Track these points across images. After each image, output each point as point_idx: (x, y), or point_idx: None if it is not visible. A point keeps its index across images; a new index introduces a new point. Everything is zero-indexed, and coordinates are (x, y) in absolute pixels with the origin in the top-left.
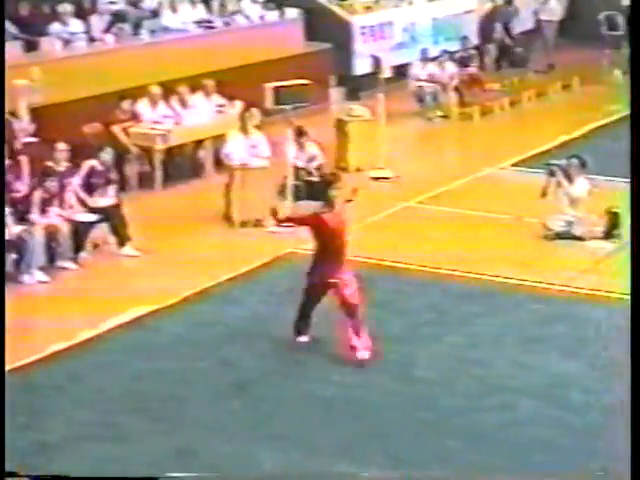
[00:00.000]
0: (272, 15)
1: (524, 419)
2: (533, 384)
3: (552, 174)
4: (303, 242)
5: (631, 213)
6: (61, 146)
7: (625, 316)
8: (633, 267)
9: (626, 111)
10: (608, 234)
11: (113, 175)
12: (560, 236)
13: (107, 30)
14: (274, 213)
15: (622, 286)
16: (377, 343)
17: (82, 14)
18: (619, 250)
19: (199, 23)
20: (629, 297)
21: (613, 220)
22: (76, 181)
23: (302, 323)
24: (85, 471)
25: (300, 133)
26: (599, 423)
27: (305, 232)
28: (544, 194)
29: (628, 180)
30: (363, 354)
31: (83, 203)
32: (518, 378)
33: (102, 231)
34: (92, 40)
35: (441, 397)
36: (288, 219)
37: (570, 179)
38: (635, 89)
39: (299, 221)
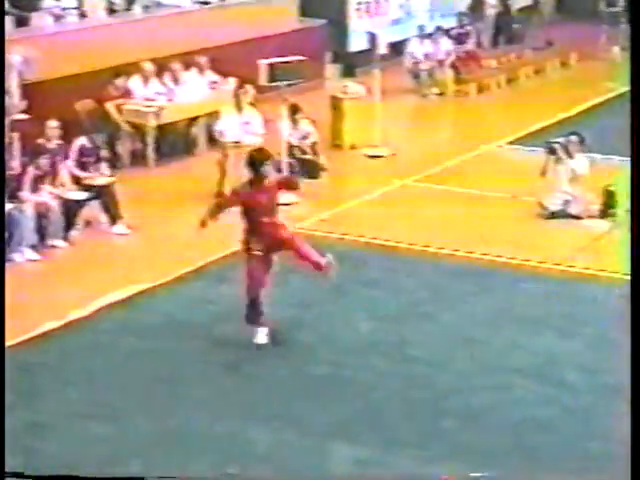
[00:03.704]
0: None
1: (519, 399)
2: (528, 363)
3: (552, 152)
4: (297, 221)
5: (631, 192)
6: (52, 123)
7: (621, 295)
8: (633, 245)
9: (624, 88)
10: (604, 213)
11: (105, 153)
12: (556, 215)
13: (99, 6)
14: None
15: (618, 265)
16: (371, 321)
17: None
18: (615, 229)
19: None
20: (626, 276)
21: (609, 198)
22: (68, 159)
23: (254, 311)
24: (76, 450)
25: (294, 110)
26: (595, 403)
27: (301, 210)
28: (543, 172)
29: (625, 158)
30: (326, 259)
31: (75, 181)
32: (513, 357)
33: (93, 209)
34: (84, 16)
35: (435, 376)
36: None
37: (570, 156)
38: (635, 67)
39: (223, 205)
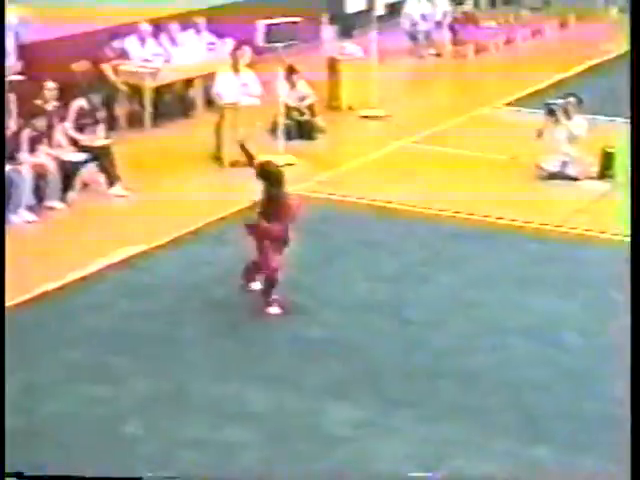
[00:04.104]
0: None
1: (518, 360)
2: (527, 325)
3: (551, 113)
4: (294, 182)
5: (631, 153)
6: (50, 85)
7: (619, 256)
8: (633, 206)
9: (622, 49)
10: (602, 174)
11: (102, 114)
12: (554, 176)
13: None
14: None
15: (616, 226)
16: (370, 283)
17: None
18: (614, 190)
19: None
20: (624, 237)
21: (607, 160)
22: (65, 121)
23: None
24: (73, 412)
25: (291, 72)
26: (593, 364)
27: (299, 171)
28: (540, 134)
29: (622, 119)
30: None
31: (72, 142)
32: (512, 319)
33: (91, 171)
34: None
35: (434, 338)
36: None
37: (569, 117)
38: (635, 27)
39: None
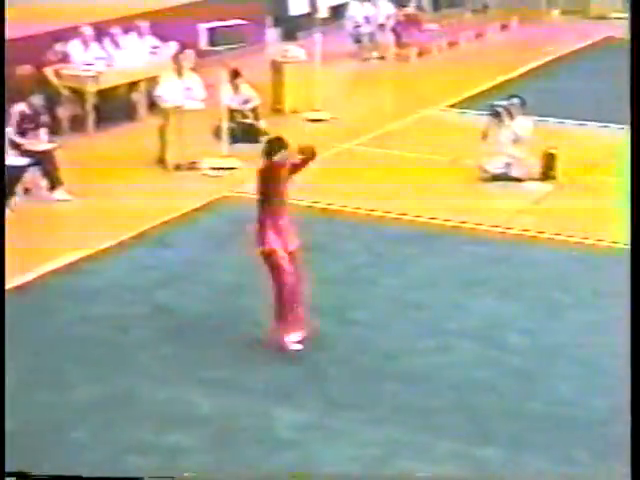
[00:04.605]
0: None
1: (462, 361)
2: (471, 326)
3: (496, 115)
4: (237, 185)
5: (631, 153)
6: None
7: (562, 257)
8: (633, 206)
9: (562, 51)
10: (545, 175)
11: (44, 118)
12: (497, 178)
13: None
14: None
15: (559, 227)
16: (314, 286)
17: None
18: (556, 191)
19: None
20: (568, 237)
21: (550, 161)
22: (8, 126)
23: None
24: (20, 419)
25: (235, 75)
26: (538, 364)
27: (243, 174)
28: (485, 136)
29: (563, 120)
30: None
31: (15, 147)
32: (456, 320)
33: (33, 175)
34: None
35: (378, 340)
36: None
37: (512, 119)
38: (635, 27)
39: None
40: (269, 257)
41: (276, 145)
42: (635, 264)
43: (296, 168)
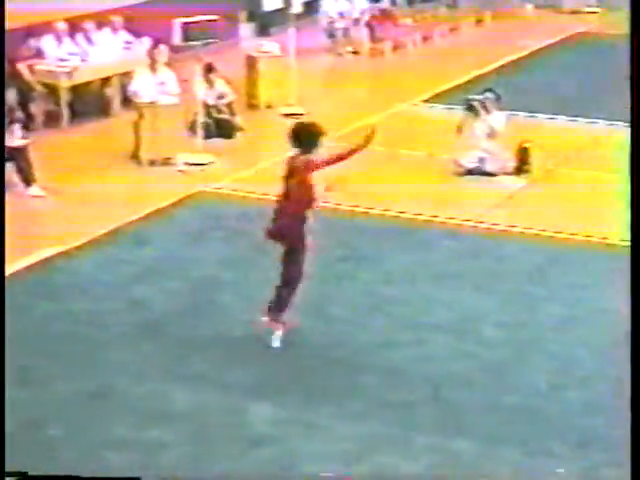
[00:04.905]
0: None
1: (438, 355)
2: (446, 320)
3: (471, 109)
4: (212, 180)
5: (631, 153)
6: None
7: (535, 250)
8: (633, 205)
9: (537, 46)
10: (519, 169)
11: (18, 114)
12: (472, 172)
13: None
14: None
15: (533, 221)
16: None
17: None
18: (530, 185)
19: None
20: (541, 231)
21: (524, 155)
22: None
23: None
24: None
25: (209, 70)
26: (513, 357)
27: (218, 169)
28: (460, 130)
29: (536, 115)
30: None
31: None
32: (431, 314)
33: (7, 171)
34: None
35: (355, 334)
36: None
37: (487, 113)
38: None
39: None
40: (294, 251)
41: (315, 133)
42: (635, 261)
43: (337, 160)
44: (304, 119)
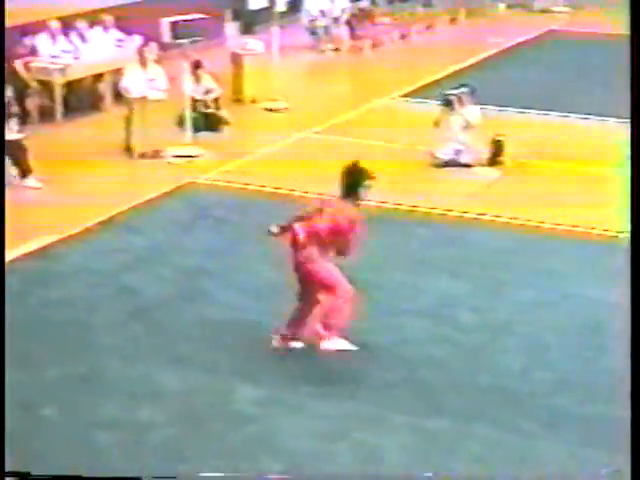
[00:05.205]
0: None
1: (414, 338)
2: (422, 305)
3: (448, 103)
4: (200, 172)
5: (631, 152)
6: None
7: (508, 238)
8: (633, 203)
9: (509, 43)
10: (493, 161)
11: (14, 109)
12: (448, 164)
13: None
14: None
15: (506, 210)
16: (273, 267)
17: None
18: (503, 176)
19: None
20: (513, 220)
21: (497, 148)
22: None
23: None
24: None
25: (197, 66)
26: (487, 340)
27: (206, 161)
28: (437, 123)
29: (507, 109)
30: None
31: None
32: (409, 299)
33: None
34: None
35: None
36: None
37: (463, 107)
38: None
39: None
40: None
41: (361, 176)
42: (635, 256)
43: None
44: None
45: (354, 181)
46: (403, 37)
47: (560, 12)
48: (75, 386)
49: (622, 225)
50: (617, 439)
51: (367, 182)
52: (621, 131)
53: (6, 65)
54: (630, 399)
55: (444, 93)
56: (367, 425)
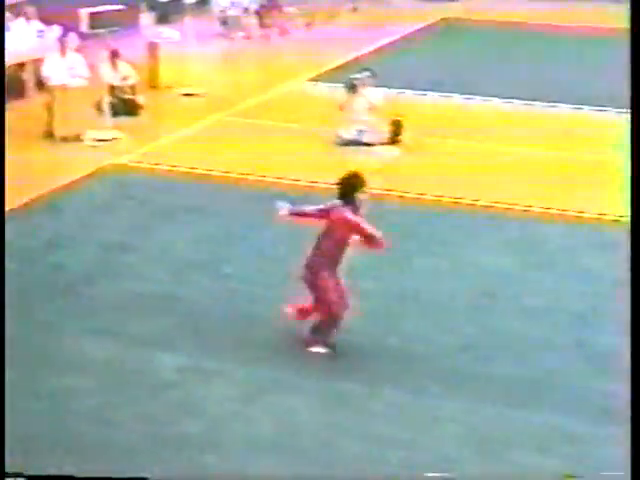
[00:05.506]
0: None
1: None
2: None
3: (352, 87)
4: (119, 154)
5: (631, 151)
6: None
7: (408, 211)
8: (633, 201)
9: (408, 30)
10: (393, 140)
11: None
12: (351, 143)
13: None
14: None
15: (406, 186)
16: (191, 244)
17: None
18: (402, 154)
19: None
20: (419, 195)
21: (396, 127)
22: None
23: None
24: None
25: (114, 55)
26: (391, 307)
27: (124, 144)
28: (342, 106)
29: (405, 90)
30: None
31: None
32: None
33: None
34: None
35: (248, 289)
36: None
37: (366, 89)
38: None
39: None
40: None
41: (358, 184)
42: (635, 251)
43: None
44: None
45: (351, 188)
46: (308, 26)
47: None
48: (6, 358)
49: (514, 199)
50: (514, 396)
51: (363, 189)
52: (513, 110)
53: None
54: (630, 399)
55: (348, 77)
56: (279, 388)
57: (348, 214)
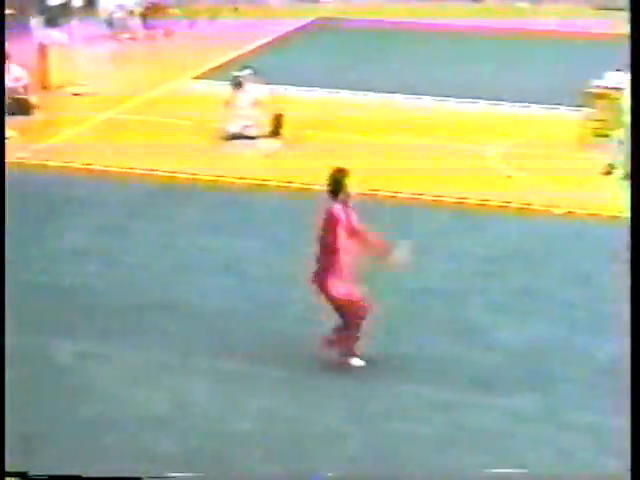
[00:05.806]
0: None
1: (212, 292)
2: (215, 263)
3: (238, 84)
4: (14, 152)
5: (632, 149)
6: None
7: (288, 200)
8: (633, 199)
9: (281, 31)
10: (274, 133)
11: None
12: (235, 137)
13: None
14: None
15: (290, 175)
16: (84, 235)
17: None
18: (283, 146)
19: None
20: (293, 185)
21: (278, 122)
22: None
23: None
24: None
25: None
26: (273, 292)
27: (18, 143)
28: (227, 102)
29: (289, 87)
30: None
31: None
32: (202, 259)
33: None
34: None
35: (140, 277)
36: None
37: (249, 86)
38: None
39: None
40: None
41: (344, 178)
42: (635, 250)
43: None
44: None
45: (338, 183)
46: (191, 27)
47: (326, 2)
48: None
49: (387, 187)
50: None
51: (347, 182)
52: (392, 104)
53: None
54: (630, 399)
55: (233, 74)
56: (171, 368)
57: (335, 207)
